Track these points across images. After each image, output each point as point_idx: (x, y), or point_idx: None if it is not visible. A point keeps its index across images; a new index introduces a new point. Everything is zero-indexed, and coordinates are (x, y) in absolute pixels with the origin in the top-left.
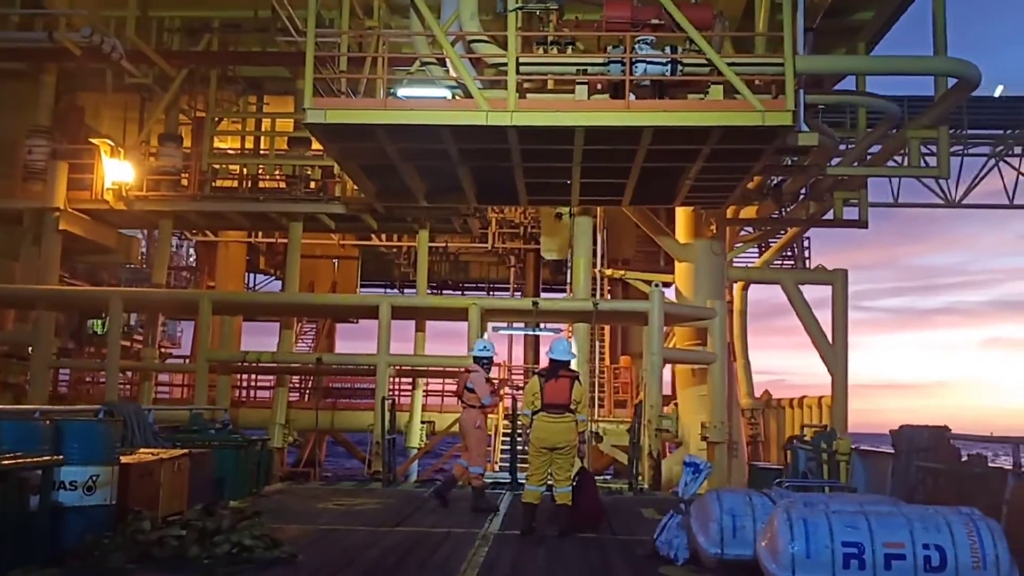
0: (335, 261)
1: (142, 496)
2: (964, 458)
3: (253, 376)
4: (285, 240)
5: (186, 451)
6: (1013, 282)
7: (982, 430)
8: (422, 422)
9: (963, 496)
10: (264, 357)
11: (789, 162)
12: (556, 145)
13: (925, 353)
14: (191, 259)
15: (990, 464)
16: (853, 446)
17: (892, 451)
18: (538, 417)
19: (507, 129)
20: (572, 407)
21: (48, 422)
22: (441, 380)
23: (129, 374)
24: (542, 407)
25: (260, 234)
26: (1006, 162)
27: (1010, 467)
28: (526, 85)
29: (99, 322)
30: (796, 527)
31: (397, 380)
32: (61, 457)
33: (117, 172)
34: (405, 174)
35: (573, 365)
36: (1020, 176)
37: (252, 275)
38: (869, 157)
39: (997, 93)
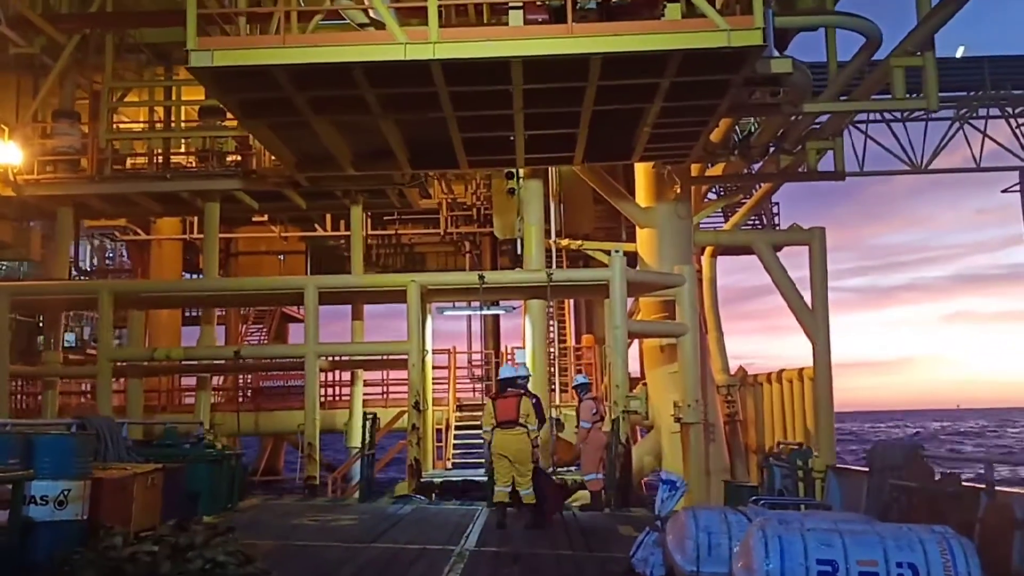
0: (281, 257)
1: (114, 511)
2: (937, 476)
3: (176, 378)
4: (225, 235)
5: (159, 466)
6: (972, 256)
7: (947, 403)
8: (364, 418)
9: (937, 514)
10: (175, 354)
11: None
12: (491, 86)
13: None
14: (121, 260)
15: (963, 481)
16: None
17: (866, 469)
18: (496, 431)
19: (430, 66)
20: (521, 420)
21: (19, 435)
22: (384, 371)
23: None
24: (497, 424)
25: (196, 230)
26: (971, 124)
27: (983, 485)
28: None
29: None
30: (771, 545)
31: (335, 374)
32: (32, 471)
33: (1, 154)
34: (323, 134)
35: (525, 374)
36: (985, 139)
37: (191, 275)
38: (844, 99)
39: (959, 54)
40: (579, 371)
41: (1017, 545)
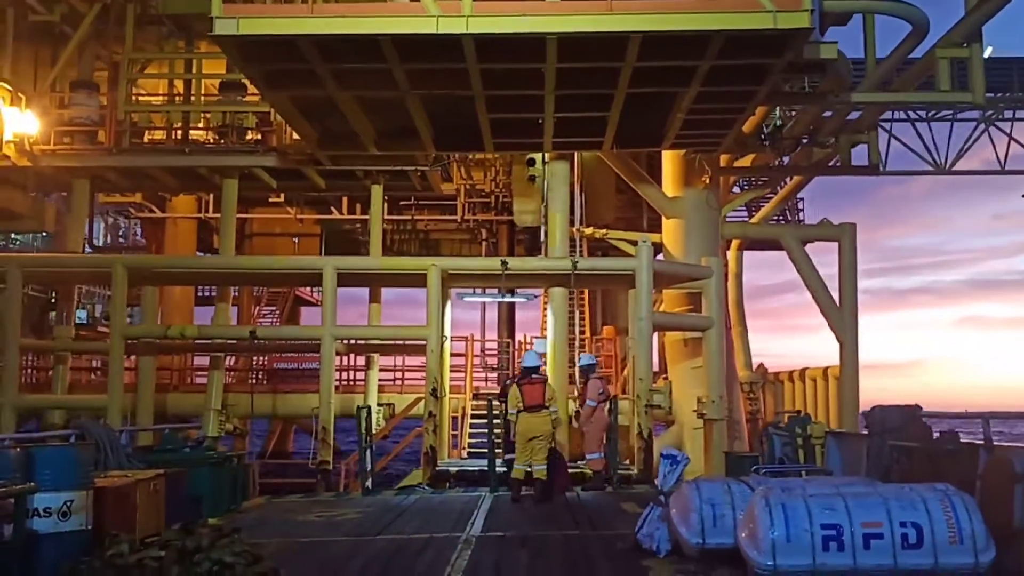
0: (295, 239)
1: (118, 519)
2: (936, 435)
3: (189, 357)
4: (240, 215)
5: (161, 471)
6: (988, 261)
7: (957, 407)
8: (379, 404)
9: (937, 473)
10: (189, 332)
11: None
12: (523, 63)
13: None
14: (135, 239)
15: (962, 440)
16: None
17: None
18: (522, 415)
19: (463, 41)
20: (547, 404)
21: (19, 449)
22: (400, 356)
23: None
24: (524, 407)
25: (211, 209)
26: (996, 127)
27: (982, 442)
28: None
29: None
30: (775, 513)
31: (350, 359)
32: (33, 484)
33: (18, 123)
34: (347, 110)
35: (542, 366)
36: (1011, 141)
37: (205, 255)
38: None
39: (987, 54)
40: (582, 348)
41: (1018, 499)
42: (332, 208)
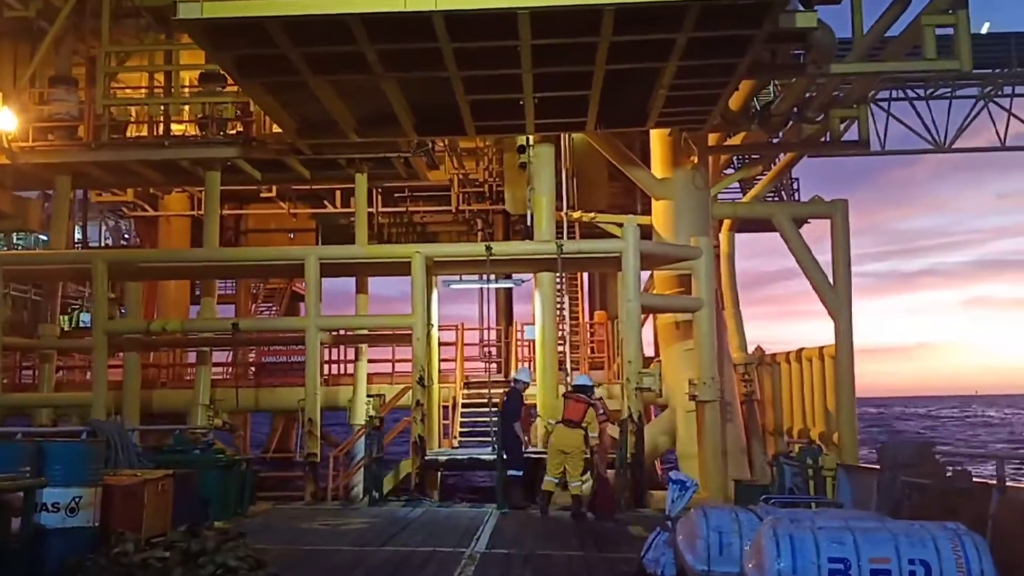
0: (291, 235)
1: (126, 518)
2: (949, 473)
3: (180, 353)
4: (234, 212)
5: (170, 472)
6: (994, 241)
7: (965, 390)
8: (368, 396)
9: (948, 511)
10: (171, 326)
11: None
12: (497, 41)
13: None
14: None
15: (974, 477)
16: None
17: (877, 466)
18: (557, 427)
19: (432, 19)
20: (583, 424)
21: (30, 443)
22: (392, 347)
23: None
24: (562, 419)
25: (205, 206)
26: (995, 103)
27: (995, 481)
28: None
29: (65, 317)
30: (783, 543)
31: (340, 351)
32: (43, 479)
33: None
34: (324, 97)
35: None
36: (1011, 117)
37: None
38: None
39: (984, 30)
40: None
41: None
42: (325, 202)
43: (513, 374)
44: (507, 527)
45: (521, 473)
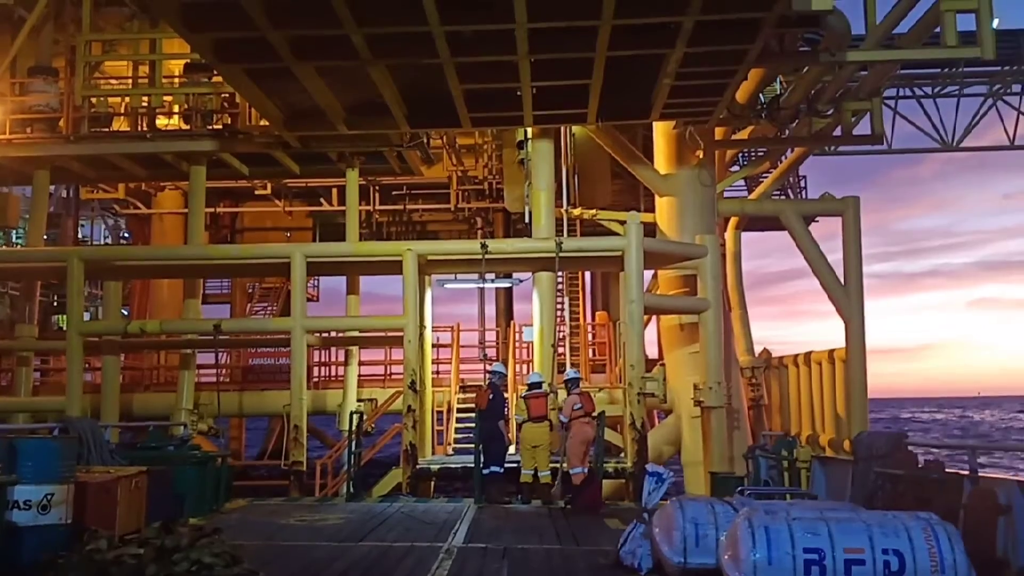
0: (288, 233)
1: (99, 515)
2: (921, 464)
3: (164, 355)
4: (229, 210)
5: (144, 468)
6: (999, 241)
7: (970, 391)
8: (359, 400)
9: (921, 501)
10: (150, 327)
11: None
12: (492, 24)
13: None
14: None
15: (947, 468)
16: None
17: (851, 458)
18: (526, 425)
19: None
20: (548, 417)
21: (1, 440)
22: (384, 350)
23: None
24: (529, 418)
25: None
26: (1004, 101)
27: (967, 472)
28: None
29: (64, 316)
30: (758, 534)
31: (330, 353)
32: (14, 476)
33: None
34: (310, 85)
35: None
36: (1020, 116)
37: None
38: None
39: (993, 26)
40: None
41: (1001, 530)
42: (322, 200)
43: (490, 368)
44: (485, 521)
45: (502, 470)
